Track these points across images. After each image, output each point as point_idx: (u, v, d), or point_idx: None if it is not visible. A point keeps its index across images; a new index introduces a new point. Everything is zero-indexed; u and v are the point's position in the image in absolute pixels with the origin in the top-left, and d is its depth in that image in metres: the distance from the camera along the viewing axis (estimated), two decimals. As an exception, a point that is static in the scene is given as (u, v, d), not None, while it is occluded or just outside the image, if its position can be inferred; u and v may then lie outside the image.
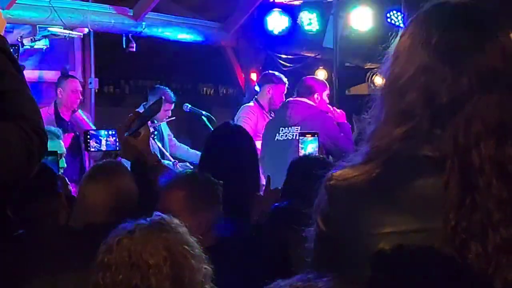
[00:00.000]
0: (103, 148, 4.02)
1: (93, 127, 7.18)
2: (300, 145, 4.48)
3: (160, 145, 7.27)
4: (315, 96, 6.65)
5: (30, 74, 7.21)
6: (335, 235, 1.55)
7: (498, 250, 1.43)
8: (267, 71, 7.79)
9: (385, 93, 1.59)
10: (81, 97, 7.48)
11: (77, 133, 7.25)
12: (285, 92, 7.54)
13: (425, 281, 1.46)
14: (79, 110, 7.51)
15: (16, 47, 3.31)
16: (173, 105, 7.63)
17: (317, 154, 4.40)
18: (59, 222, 3.08)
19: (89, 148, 4.02)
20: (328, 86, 6.91)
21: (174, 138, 7.94)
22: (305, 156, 4.29)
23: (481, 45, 1.52)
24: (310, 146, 4.55)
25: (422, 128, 1.52)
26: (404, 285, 1.48)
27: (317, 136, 4.48)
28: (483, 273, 1.42)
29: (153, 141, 6.75)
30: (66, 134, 7.10)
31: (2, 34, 2.27)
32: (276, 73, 7.62)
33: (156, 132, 7.47)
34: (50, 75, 7.92)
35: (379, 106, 1.60)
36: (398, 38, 1.61)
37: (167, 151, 7.51)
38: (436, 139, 1.50)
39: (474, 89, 1.49)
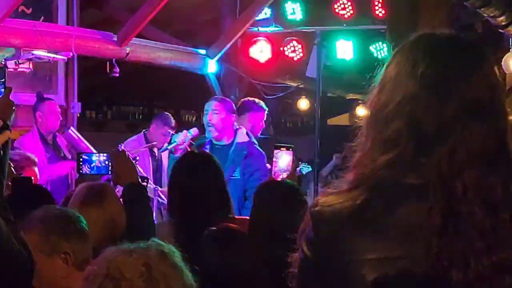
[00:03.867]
0: (94, 171, 4.03)
1: (90, 146, 7.16)
2: (274, 158, 4.35)
3: (141, 170, 7.28)
4: None
5: (12, 96, 7.14)
6: (319, 260, 1.57)
7: (479, 278, 1.45)
8: (246, 99, 7.72)
9: (371, 121, 1.61)
10: (60, 118, 7.38)
11: (64, 154, 7.23)
12: (265, 119, 7.52)
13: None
14: (71, 128, 7.47)
15: (3, 70, 3.31)
16: (173, 130, 7.68)
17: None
18: None
19: (81, 171, 4.02)
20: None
21: None
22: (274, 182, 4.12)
23: (467, 76, 1.55)
24: (284, 160, 4.40)
25: (406, 156, 1.53)
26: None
27: (292, 150, 4.36)
28: (465, 301, 1.44)
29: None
30: (66, 162, 7.10)
31: None
32: (256, 100, 7.56)
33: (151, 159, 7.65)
34: (33, 98, 7.88)
35: (364, 134, 1.62)
36: (384, 67, 1.63)
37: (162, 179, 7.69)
38: (420, 167, 1.52)
39: (459, 119, 1.51)
